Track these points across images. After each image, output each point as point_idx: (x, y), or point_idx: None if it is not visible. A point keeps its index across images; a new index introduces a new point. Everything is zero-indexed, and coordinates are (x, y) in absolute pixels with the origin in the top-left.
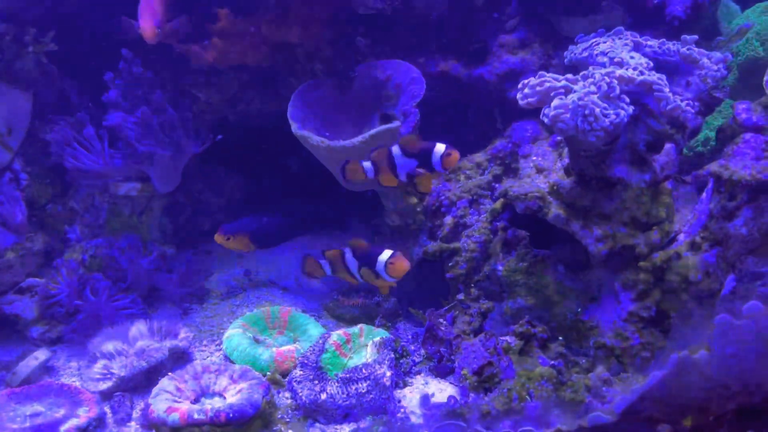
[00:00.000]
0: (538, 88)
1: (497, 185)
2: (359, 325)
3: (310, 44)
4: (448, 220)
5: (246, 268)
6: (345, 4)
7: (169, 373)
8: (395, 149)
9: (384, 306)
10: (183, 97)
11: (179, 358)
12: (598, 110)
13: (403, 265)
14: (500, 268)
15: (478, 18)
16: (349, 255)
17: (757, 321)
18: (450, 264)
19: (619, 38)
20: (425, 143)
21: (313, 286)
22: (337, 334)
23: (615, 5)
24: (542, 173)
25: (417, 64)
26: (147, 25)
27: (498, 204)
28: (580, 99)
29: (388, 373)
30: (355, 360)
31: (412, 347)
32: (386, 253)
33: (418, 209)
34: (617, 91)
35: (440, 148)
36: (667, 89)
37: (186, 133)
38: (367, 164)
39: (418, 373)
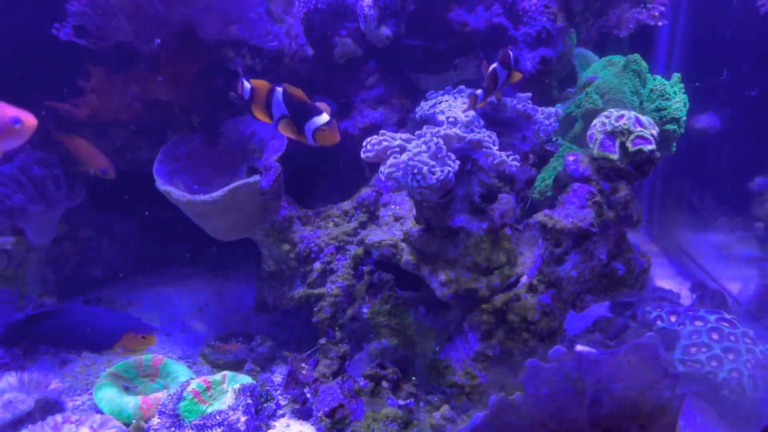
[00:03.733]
0: (377, 147)
1: (362, 231)
2: (222, 372)
3: (184, 100)
4: (317, 266)
5: (132, 315)
6: (216, 62)
7: (29, 425)
8: (279, 91)
9: (257, 351)
10: (59, 152)
11: (50, 409)
12: (425, 169)
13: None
14: (365, 310)
15: (342, 75)
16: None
17: (562, 364)
18: (315, 309)
19: (461, 96)
20: (311, 103)
21: (197, 331)
22: (196, 382)
23: (469, 62)
24: (399, 221)
25: None
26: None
27: (360, 250)
28: (410, 159)
29: (243, 419)
30: (215, 406)
31: (278, 392)
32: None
33: (291, 255)
34: (444, 151)
35: (322, 118)
36: (495, 146)
37: (57, 187)
38: (248, 85)
39: (282, 416)
